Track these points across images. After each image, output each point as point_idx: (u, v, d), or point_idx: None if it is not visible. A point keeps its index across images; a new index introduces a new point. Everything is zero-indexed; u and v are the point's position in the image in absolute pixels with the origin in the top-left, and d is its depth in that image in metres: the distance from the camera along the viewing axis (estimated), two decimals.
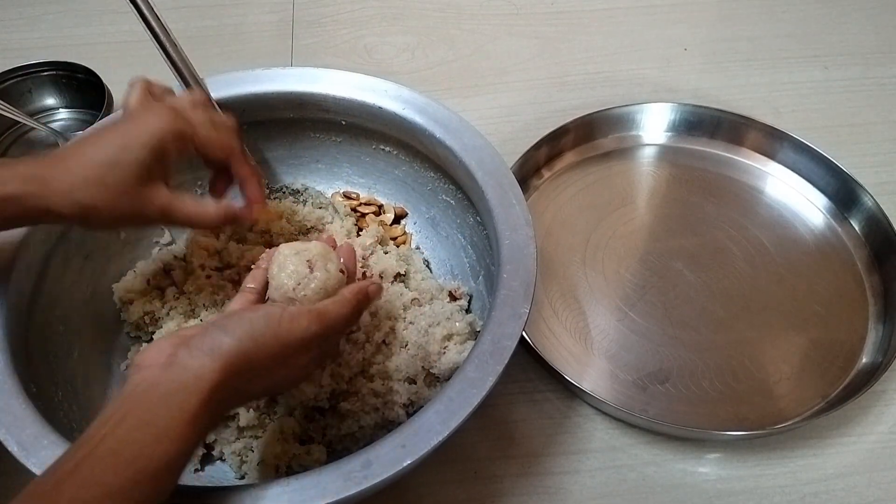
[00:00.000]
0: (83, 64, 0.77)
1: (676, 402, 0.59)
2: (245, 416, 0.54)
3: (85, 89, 0.78)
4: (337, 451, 0.55)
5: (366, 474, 0.42)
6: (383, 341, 0.58)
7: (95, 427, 0.36)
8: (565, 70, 0.86)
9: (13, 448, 0.43)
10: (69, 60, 0.78)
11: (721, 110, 0.76)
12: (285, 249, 0.49)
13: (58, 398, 0.51)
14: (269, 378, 0.42)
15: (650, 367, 0.61)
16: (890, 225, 0.67)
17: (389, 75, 0.63)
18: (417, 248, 0.67)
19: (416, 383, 0.56)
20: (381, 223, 0.66)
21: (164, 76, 0.55)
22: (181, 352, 0.39)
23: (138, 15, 0.52)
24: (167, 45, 0.54)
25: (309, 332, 0.43)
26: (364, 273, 0.62)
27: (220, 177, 0.55)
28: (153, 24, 0.52)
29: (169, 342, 0.40)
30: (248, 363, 0.40)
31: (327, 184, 0.69)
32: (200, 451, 0.54)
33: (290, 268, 0.47)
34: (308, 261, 0.48)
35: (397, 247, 0.66)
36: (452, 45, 0.89)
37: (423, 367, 0.56)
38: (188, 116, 0.50)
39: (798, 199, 0.73)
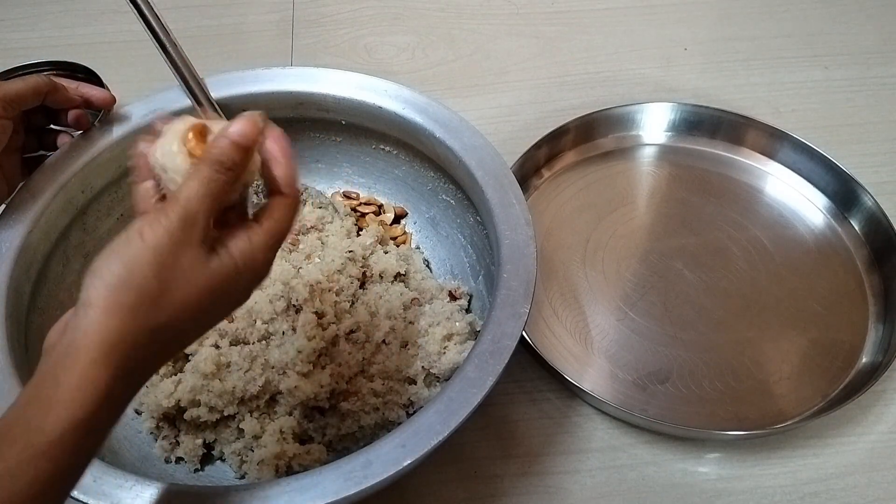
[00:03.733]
0: (83, 64, 0.77)
1: (676, 401, 0.59)
2: (249, 423, 0.54)
3: None
4: (337, 451, 0.55)
5: (366, 474, 0.42)
6: (383, 341, 0.58)
7: None
8: (565, 70, 0.86)
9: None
10: (69, 60, 0.78)
11: (721, 110, 0.76)
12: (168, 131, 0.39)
13: None
14: (170, 298, 0.35)
15: (650, 367, 0.61)
16: (890, 225, 0.67)
17: (389, 75, 0.63)
18: (417, 247, 0.67)
19: (416, 383, 0.56)
20: (381, 223, 0.66)
21: (165, 76, 0.55)
22: (70, 316, 0.35)
23: (138, 15, 0.52)
24: (167, 45, 0.54)
25: (170, 224, 0.35)
26: (364, 273, 0.62)
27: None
28: (153, 23, 0.52)
29: (67, 313, 0.36)
30: (133, 293, 0.34)
31: (327, 183, 0.69)
32: (200, 451, 0.54)
33: (166, 152, 0.38)
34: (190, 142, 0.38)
35: (397, 246, 0.66)
36: (452, 45, 0.89)
37: (423, 366, 0.56)
38: None
39: (798, 199, 0.73)
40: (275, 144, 0.40)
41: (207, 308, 0.37)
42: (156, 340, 0.35)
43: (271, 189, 0.40)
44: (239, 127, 0.37)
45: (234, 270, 0.37)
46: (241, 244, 0.37)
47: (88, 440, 0.33)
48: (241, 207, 0.40)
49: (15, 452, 0.31)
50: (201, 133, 0.38)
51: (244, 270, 0.37)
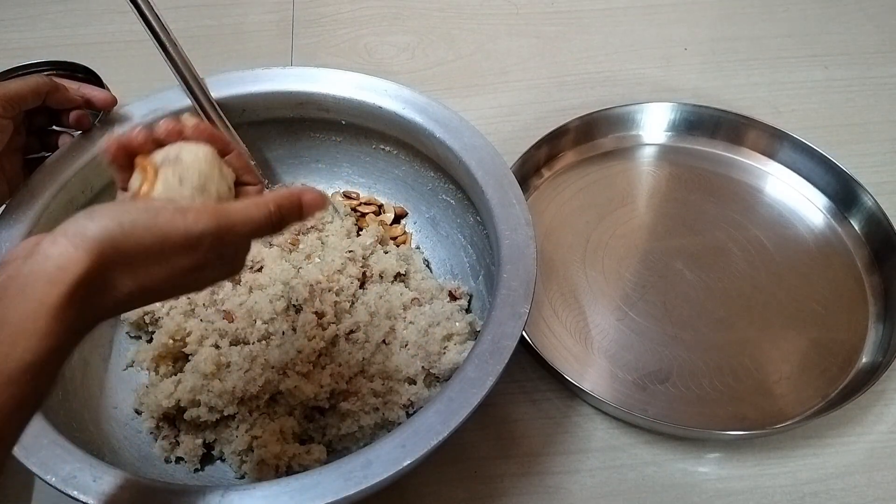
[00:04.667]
0: (83, 64, 0.77)
1: (676, 401, 0.59)
2: (249, 423, 0.54)
3: None
4: (337, 451, 0.55)
5: (366, 474, 0.42)
6: (383, 341, 0.58)
7: None
8: (565, 70, 0.86)
9: (13, 448, 0.43)
10: (69, 60, 0.78)
11: (721, 110, 0.76)
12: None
13: (58, 398, 0.51)
14: (146, 276, 0.36)
15: (650, 367, 0.61)
16: (890, 225, 0.67)
17: (389, 75, 0.63)
18: (417, 247, 0.67)
19: (416, 383, 0.56)
20: (381, 223, 0.66)
21: (165, 76, 0.55)
22: (44, 241, 0.34)
23: (138, 15, 0.52)
24: (167, 44, 0.54)
25: (196, 227, 0.36)
26: (364, 273, 0.62)
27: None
28: (153, 23, 0.52)
29: (37, 235, 0.35)
30: (119, 254, 0.34)
31: (327, 183, 0.69)
32: (200, 451, 0.54)
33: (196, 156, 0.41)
34: (180, 178, 0.40)
35: (397, 246, 0.66)
36: (452, 44, 0.89)
37: (423, 367, 0.56)
38: None
39: (798, 199, 0.73)
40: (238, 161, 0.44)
41: (170, 291, 0.38)
42: (116, 299, 0.36)
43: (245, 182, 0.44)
44: (311, 196, 0.40)
45: (208, 265, 0.38)
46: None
47: (49, 371, 0.34)
48: None
49: None
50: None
51: (213, 264, 0.38)
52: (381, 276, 0.61)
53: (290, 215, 0.39)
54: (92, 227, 0.34)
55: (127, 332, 0.61)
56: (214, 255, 0.37)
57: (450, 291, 0.61)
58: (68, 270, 0.33)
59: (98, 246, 0.34)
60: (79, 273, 0.33)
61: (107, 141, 0.41)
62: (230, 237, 0.37)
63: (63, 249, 0.33)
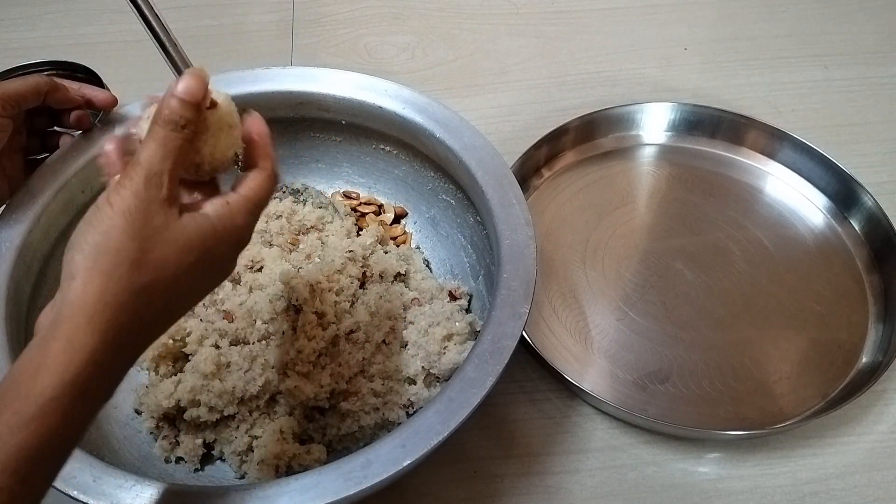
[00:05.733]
0: (83, 64, 0.77)
1: (676, 401, 0.59)
2: (249, 423, 0.54)
3: None
4: (337, 451, 0.55)
5: (366, 474, 0.42)
6: (383, 341, 0.58)
7: None
8: (565, 70, 0.86)
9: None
10: (69, 60, 0.78)
11: (721, 110, 0.76)
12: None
13: None
14: (149, 259, 0.35)
15: (650, 367, 0.61)
16: (890, 225, 0.67)
17: (389, 75, 0.63)
18: (417, 247, 0.67)
19: (416, 383, 0.56)
20: (381, 223, 0.66)
21: (165, 76, 0.55)
22: (57, 294, 0.35)
23: (138, 15, 0.52)
24: (167, 44, 0.54)
25: (133, 186, 0.35)
26: (364, 273, 0.62)
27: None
28: (153, 23, 0.52)
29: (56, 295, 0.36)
30: (110, 258, 0.34)
31: (327, 183, 0.69)
32: (200, 451, 0.54)
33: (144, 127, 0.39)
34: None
35: (397, 246, 0.66)
36: (452, 44, 0.89)
37: (423, 367, 0.56)
38: None
39: (798, 199, 0.73)
40: (251, 126, 0.42)
41: (191, 270, 0.37)
42: (142, 303, 0.35)
43: (248, 165, 0.41)
44: (184, 84, 0.37)
45: (212, 231, 0.37)
46: (217, 206, 0.38)
47: (78, 406, 0.33)
48: (214, 184, 0.42)
49: (4, 419, 0.31)
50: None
51: (223, 233, 0.38)
52: (381, 276, 0.61)
53: (176, 113, 0.37)
54: (77, 254, 0.34)
55: None
56: (166, 193, 0.36)
57: (450, 291, 0.61)
58: (76, 302, 0.33)
59: (91, 264, 0.34)
60: (87, 298, 0.33)
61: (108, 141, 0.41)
62: (157, 168, 0.36)
63: (66, 288, 0.34)
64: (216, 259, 0.39)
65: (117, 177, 0.37)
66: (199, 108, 0.38)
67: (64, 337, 0.33)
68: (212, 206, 0.38)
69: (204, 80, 0.38)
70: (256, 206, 0.40)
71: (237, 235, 0.39)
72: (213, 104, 0.40)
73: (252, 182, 0.40)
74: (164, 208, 0.36)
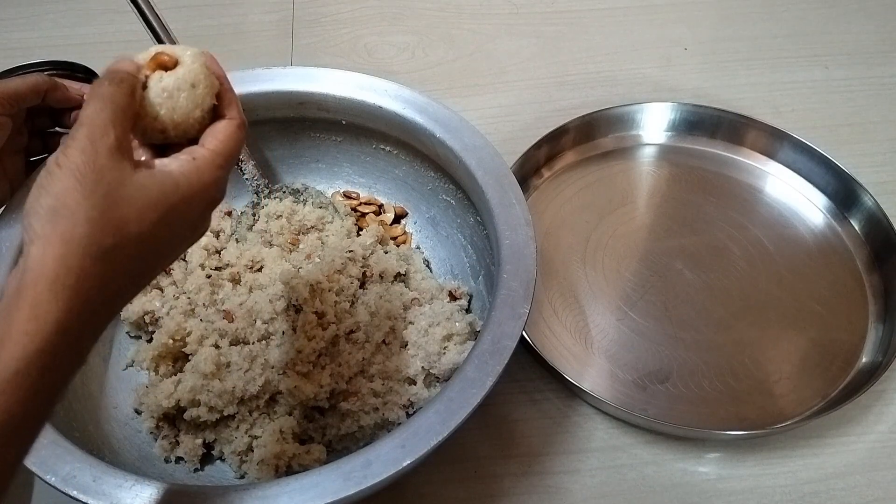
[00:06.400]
0: (83, 64, 0.77)
1: (676, 401, 0.59)
2: (249, 423, 0.54)
3: None
4: (337, 451, 0.55)
5: (366, 474, 0.42)
6: (383, 341, 0.58)
7: None
8: (565, 69, 0.86)
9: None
10: (69, 60, 0.78)
11: (721, 110, 0.76)
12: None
13: None
14: (108, 217, 0.34)
15: (650, 367, 0.61)
16: (890, 225, 0.67)
17: (389, 75, 0.63)
18: (417, 247, 0.67)
19: (416, 383, 0.56)
20: (382, 223, 0.66)
21: None
22: (20, 260, 0.33)
23: (138, 15, 0.52)
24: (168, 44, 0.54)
25: (78, 143, 0.34)
26: (364, 273, 0.62)
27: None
28: (153, 23, 0.52)
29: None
30: (66, 220, 0.33)
31: (327, 183, 0.69)
32: (200, 451, 0.54)
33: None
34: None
35: (397, 246, 0.66)
36: (452, 44, 0.89)
37: (423, 367, 0.56)
38: None
39: (798, 199, 0.73)
40: (214, 67, 0.41)
41: (157, 230, 0.36)
42: (107, 267, 0.34)
43: (215, 115, 0.40)
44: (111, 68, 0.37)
45: (175, 187, 0.36)
46: (182, 162, 0.37)
47: (47, 377, 0.32)
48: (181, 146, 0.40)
49: None
50: (160, 64, 0.39)
51: (189, 189, 0.37)
52: (381, 276, 0.61)
53: (112, 66, 0.37)
54: (33, 218, 0.33)
55: (127, 332, 0.61)
56: (112, 142, 0.35)
57: (450, 291, 0.61)
58: (37, 267, 0.32)
59: (49, 227, 0.32)
60: (48, 263, 0.32)
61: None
62: (98, 120, 0.35)
63: (27, 255, 0.32)
64: (185, 217, 0.37)
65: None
66: (134, 62, 0.38)
67: (27, 306, 0.31)
68: (177, 163, 0.37)
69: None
70: (226, 160, 0.39)
71: (206, 192, 0.38)
72: (173, 63, 0.39)
73: (220, 134, 0.39)
74: (114, 162, 0.34)
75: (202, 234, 0.40)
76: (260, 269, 0.61)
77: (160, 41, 0.53)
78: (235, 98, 0.41)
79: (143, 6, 0.52)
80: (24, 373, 0.31)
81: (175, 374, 0.57)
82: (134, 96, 0.37)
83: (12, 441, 0.32)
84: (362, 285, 0.61)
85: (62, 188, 0.33)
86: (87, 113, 0.35)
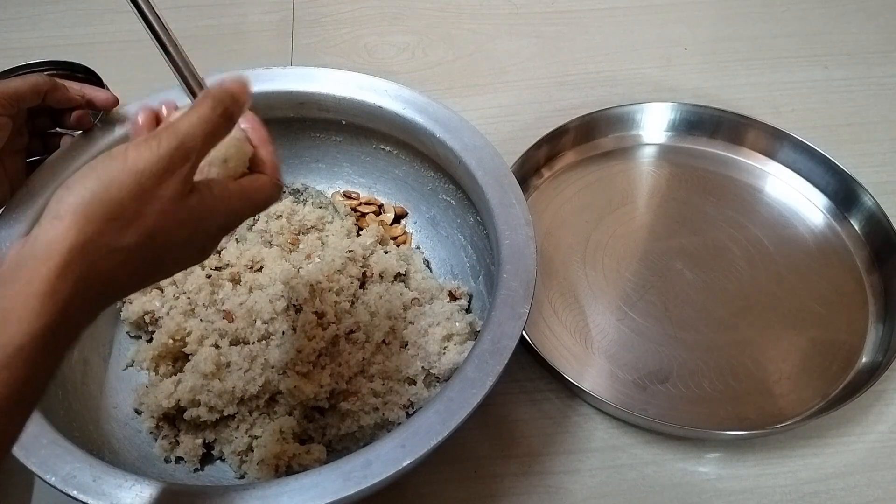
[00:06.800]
0: (83, 64, 0.77)
1: (676, 401, 0.59)
2: (249, 423, 0.54)
3: None
4: (337, 450, 0.55)
5: (366, 474, 0.42)
6: (383, 341, 0.58)
7: None
8: (565, 69, 0.86)
9: (13, 447, 0.43)
10: (69, 60, 0.78)
11: (721, 110, 0.76)
12: None
13: (58, 397, 0.51)
14: (142, 222, 0.35)
15: (650, 367, 0.61)
16: (890, 225, 0.67)
17: (389, 75, 0.63)
18: (417, 247, 0.67)
19: (416, 383, 0.56)
20: (381, 223, 0.66)
21: (165, 76, 0.55)
22: (35, 228, 0.34)
23: (138, 15, 0.52)
24: (167, 44, 0.54)
25: (161, 150, 0.35)
26: (364, 273, 0.62)
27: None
28: (153, 23, 0.52)
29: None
30: (106, 208, 0.33)
31: (327, 183, 0.69)
32: (200, 451, 0.54)
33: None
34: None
35: (397, 246, 0.66)
36: (452, 44, 0.89)
37: (423, 367, 0.56)
38: None
39: (798, 199, 0.73)
40: (255, 133, 0.43)
41: (175, 244, 0.37)
42: (118, 263, 0.34)
43: (254, 170, 0.42)
44: (237, 80, 0.39)
45: (209, 209, 0.38)
46: (220, 187, 0.39)
47: (46, 356, 0.33)
48: None
49: None
50: None
51: (215, 209, 0.38)
52: (381, 276, 0.61)
53: (228, 101, 0.38)
54: (71, 195, 0.33)
55: (127, 332, 0.61)
56: (188, 169, 0.36)
57: (450, 291, 0.61)
58: (55, 243, 0.32)
59: (82, 209, 0.33)
60: (68, 243, 0.32)
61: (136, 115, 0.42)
62: (192, 143, 0.36)
63: (48, 227, 0.33)
64: (200, 235, 0.38)
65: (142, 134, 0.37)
66: (243, 104, 0.39)
67: (38, 281, 0.32)
68: (215, 183, 0.39)
69: (245, 84, 0.40)
70: (252, 202, 0.40)
71: (228, 217, 0.39)
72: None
73: (256, 182, 0.41)
74: (178, 182, 0.35)
75: (207, 257, 0.42)
76: (260, 269, 0.61)
77: (160, 42, 0.53)
78: (274, 157, 0.43)
79: (144, 6, 0.51)
80: (29, 348, 0.31)
81: (175, 374, 0.57)
82: (216, 141, 0.38)
83: (12, 414, 0.33)
84: (362, 285, 0.61)
85: (115, 179, 0.34)
86: (185, 125, 0.36)
